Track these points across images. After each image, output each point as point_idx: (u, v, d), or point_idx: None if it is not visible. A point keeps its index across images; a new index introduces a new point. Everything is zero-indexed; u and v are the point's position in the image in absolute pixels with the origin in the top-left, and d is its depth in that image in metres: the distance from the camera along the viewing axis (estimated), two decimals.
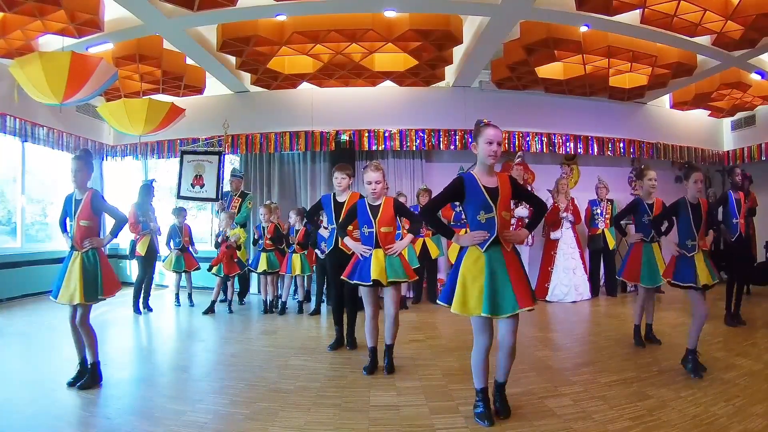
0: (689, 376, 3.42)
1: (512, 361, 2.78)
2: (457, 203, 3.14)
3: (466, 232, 2.94)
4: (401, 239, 3.86)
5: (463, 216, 2.92)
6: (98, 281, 3.39)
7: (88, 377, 3.34)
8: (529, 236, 7.12)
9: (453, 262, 7.56)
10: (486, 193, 2.73)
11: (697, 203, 3.69)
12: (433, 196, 3.06)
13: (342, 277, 3.87)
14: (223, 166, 7.09)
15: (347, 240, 3.86)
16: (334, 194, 4.39)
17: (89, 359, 3.39)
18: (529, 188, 7.41)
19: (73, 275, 3.33)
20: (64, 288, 3.33)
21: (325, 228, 4.56)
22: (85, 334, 3.39)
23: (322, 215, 4.92)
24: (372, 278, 3.61)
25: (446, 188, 2.86)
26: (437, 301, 2.86)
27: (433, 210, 3.03)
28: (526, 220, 7.12)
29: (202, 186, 7.05)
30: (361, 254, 3.74)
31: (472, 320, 2.74)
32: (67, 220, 3.50)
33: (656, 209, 4.46)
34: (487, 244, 2.70)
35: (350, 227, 4.02)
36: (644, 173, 4.58)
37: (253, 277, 7.42)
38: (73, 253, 3.42)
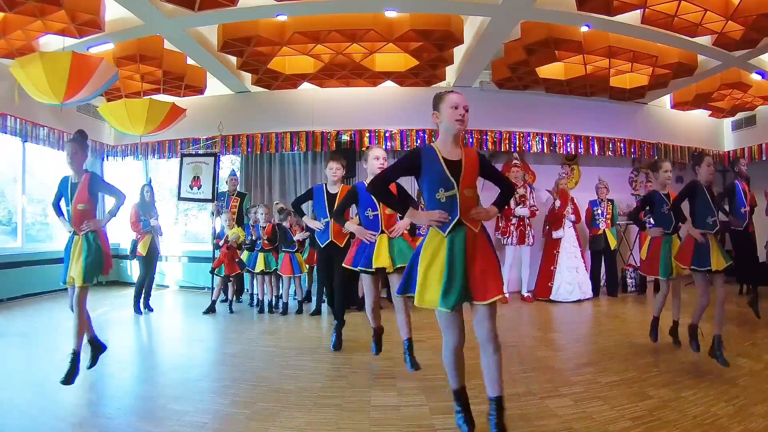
0: (689, 377, 3.42)
1: (499, 365, 2.32)
2: None
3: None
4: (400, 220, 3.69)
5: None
6: (101, 263, 3.36)
7: (70, 367, 3.11)
8: (530, 235, 7.14)
9: None
10: (446, 167, 2.37)
11: (708, 186, 3.82)
12: (384, 171, 2.67)
13: (344, 264, 3.71)
14: (218, 168, 7.12)
15: (348, 225, 3.67)
16: (326, 185, 4.33)
17: (73, 346, 3.17)
18: (529, 189, 7.42)
19: (75, 258, 3.32)
20: (69, 271, 3.34)
21: (314, 220, 4.41)
22: (78, 316, 3.26)
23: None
24: (375, 267, 3.47)
25: (400, 159, 2.53)
26: (395, 294, 2.51)
27: (383, 183, 2.55)
28: (527, 220, 7.12)
29: (199, 187, 7.08)
30: (367, 239, 3.56)
31: (437, 314, 2.40)
32: (62, 203, 3.49)
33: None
34: (450, 227, 2.35)
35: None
36: (659, 165, 4.51)
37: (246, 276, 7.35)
38: (74, 238, 3.40)
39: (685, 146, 8.83)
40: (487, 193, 2.72)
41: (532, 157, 8.33)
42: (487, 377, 2.35)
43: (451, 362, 2.48)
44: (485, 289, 2.28)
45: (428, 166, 2.40)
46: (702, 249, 3.71)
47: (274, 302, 6.41)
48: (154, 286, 6.64)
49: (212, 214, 7.20)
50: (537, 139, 8.06)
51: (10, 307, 6.48)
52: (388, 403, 3.05)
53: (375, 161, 3.57)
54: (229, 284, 6.52)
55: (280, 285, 6.50)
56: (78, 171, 3.44)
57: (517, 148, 7.93)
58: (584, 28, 5.89)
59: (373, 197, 3.43)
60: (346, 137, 7.76)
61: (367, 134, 7.81)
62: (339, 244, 4.25)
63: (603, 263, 7.48)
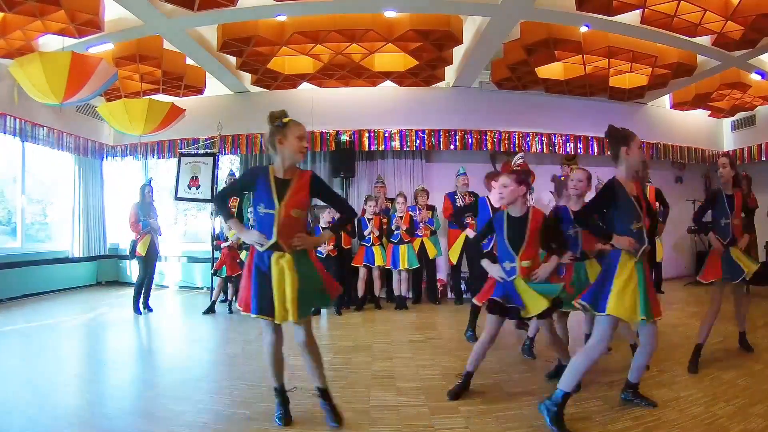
0: (690, 377, 3.42)
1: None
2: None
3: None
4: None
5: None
6: (320, 290, 2.69)
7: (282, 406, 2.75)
8: None
9: (453, 262, 7.39)
10: (635, 202, 2.77)
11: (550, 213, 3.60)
12: (588, 204, 3.00)
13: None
14: (217, 168, 7.11)
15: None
16: (489, 198, 4.58)
17: (321, 384, 2.79)
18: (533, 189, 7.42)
19: (287, 286, 2.53)
20: (278, 303, 2.56)
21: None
22: (312, 354, 2.79)
23: None
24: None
25: (598, 195, 2.86)
26: (579, 302, 2.75)
27: (588, 214, 2.90)
28: None
29: (197, 187, 7.07)
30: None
31: (602, 320, 2.65)
32: (256, 207, 2.60)
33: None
34: (640, 253, 2.72)
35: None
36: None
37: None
38: (271, 256, 2.56)
39: (684, 146, 8.84)
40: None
41: (531, 157, 8.30)
42: (637, 368, 2.90)
43: (586, 365, 2.68)
44: (654, 307, 2.70)
45: (621, 201, 2.76)
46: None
47: None
48: (153, 286, 6.64)
49: (212, 214, 7.19)
50: (536, 139, 8.07)
51: (9, 307, 6.47)
52: (388, 403, 3.05)
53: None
54: (229, 285, 6.51)
55: None
56: (287, 165, 2.61)
57: (517, 149, 7.92)
58: (584, 28, 5.89)
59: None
60: (345, 137, 7.76)
61: (367, 134, 7.81)
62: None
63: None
